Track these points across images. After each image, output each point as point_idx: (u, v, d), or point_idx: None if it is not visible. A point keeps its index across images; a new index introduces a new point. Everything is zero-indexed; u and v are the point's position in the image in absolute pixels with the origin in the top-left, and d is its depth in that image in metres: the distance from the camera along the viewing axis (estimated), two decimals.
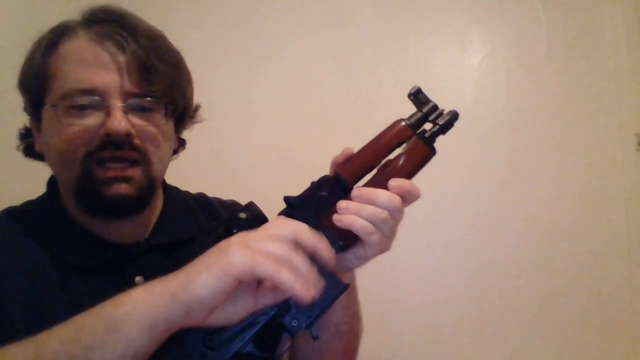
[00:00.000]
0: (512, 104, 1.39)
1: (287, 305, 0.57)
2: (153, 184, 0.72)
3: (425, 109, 0.66)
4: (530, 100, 1.39)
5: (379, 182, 0.63)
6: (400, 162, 0.64)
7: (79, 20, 0.70)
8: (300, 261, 0.52)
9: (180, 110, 0.76)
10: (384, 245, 0.62)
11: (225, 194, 0.94)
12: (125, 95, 0.66)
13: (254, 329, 0.56)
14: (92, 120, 0.66)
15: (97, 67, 0.65)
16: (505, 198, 1.39)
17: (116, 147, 0.66)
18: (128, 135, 0.66)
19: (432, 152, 0.65)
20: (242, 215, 0.59)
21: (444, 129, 0.65)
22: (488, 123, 1.40)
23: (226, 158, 1.41)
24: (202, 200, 0.88)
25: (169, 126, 0.74)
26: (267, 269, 0.50)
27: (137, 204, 0.70)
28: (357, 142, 1.52)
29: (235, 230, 0.57)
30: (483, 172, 1.39)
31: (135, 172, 0.68)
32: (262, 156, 1.41)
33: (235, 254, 0.50)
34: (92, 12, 0.70)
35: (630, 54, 1.37)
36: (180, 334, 0.53)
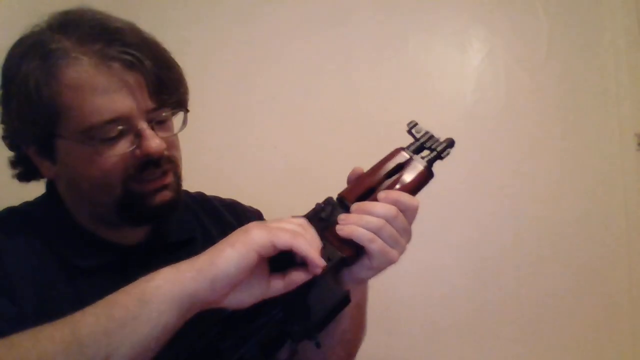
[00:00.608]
0: (512, 104, 1.39)
1: (292, 311, 0.59)
2: (181, 185, 0.74)
3: (422, 139, 0.72)
4: (530, 100, 1.39)
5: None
6: (399, 184, 0.69)
7: (61, 35, 0.64)
8: (312, 235, 0.59)
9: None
10: (389, 254, 0.64)
11: (225, 194, 0.94)
12: (147, 113, 0.66)
13: (260, 334, 0.58)
14: (124, 146, 0.66)
15: (114, 93, 0.64)
16: (505, 198, 1.39)
17: (156, 165, 0.68)
18: (163, 151, 0.68)
19: (430, 174, 0.70)
20: None
21: (441, 154, 0.71)
22: (488, 123, 1.40)
23: (226, 158, 1.41)
24: (201, 199, 0.88)
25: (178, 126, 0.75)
26: (285, 237, 0.55)
27: (177, 205, 0.73)
28: (356, 142, 1.52)
29: None
30: (483, 172, 1.39)
31: (170, 178, 0.71)
32: (262, 156, 1.41)
33: (255, 232, 0.56)
34: (75, 26, 0.65)
35: (630, 54, 1.37)
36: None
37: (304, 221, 0.62)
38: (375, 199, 0.67)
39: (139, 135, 0.66)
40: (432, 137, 0.72)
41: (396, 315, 1.34)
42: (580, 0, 1.39)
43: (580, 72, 1.39)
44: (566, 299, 1.36)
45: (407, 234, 0.66)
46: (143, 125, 0.66)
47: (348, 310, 0.63)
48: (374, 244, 0.63)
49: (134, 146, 0.66)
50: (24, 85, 0.64)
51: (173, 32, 1.28)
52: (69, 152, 0.67)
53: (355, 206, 0.66)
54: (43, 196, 0.77)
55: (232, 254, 0.54)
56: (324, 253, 0.60)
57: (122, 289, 0.54)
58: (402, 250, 0.66)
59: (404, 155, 0.71)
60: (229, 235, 0.57)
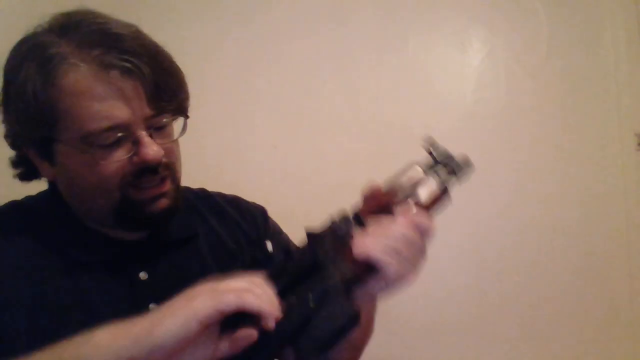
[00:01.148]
0: (512, 104, 1.39)
1: (301, 328, 0.58)
2: (180, 191, 0.74)
3: (440, 157, 0.72)
4: (530, 100, 1.39)
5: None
6: (416, 203, 0.69)
7: (61, 38, 0.64)
8: (264, 290, 0.56)
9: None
10: (405, 275, 0.65)
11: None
12: (145, 120, 0.66)
13: (266, 351, 0.58)
14: (121, 153, 0.66)
15: (112, 100, 0.64)
16: (505, 198, 1.39)
17: (153, 172, 0.68)
18: (161, 158, 0.67)
19: (447, 196, 0.70)
20: (269, 245, 0.62)
21: (459, 175, 0.71)
22: (488, 123, 1.40)
23: (226, 158, 1.41)
24: (203, 195, 0.88)
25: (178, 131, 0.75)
26: (230, 300, 0.53)
27: (174, 212, 0.73)
28: (356, 142, 1.52)
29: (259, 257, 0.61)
30: (483, 172, 1.38)
31: (168, 186, 0.70)
32: (262, 156, 1.41)
33: (199, 301, 0.53)
34: (75, 29, 0.65)
35: (630, 54, 1.37)
36: None
37: (258, 278, 0.58)
38: (392, 217, 0.67)
39: (136, 143, 0.66)
40: (450, 156, 0.72)
41: (396, 315, 1.34)
42: (580, 0, 1.39)
43: (580, 72, 1.39)
44: (566, 299, 1.36)
45: (422, 255, 0.67)
46: (141, 133, 0.66)
47: (360, 321, 0.62)
48: (391, 265, 0.63)
49: (132, 153, 0.66)
50: (23, 90, 0.64)
51: (173, 32, 1.28)
52: (67, 156, 0.67)
53: (372, 226, 0.66)
54: (45, 191, 0.77)
55: (171, 325, 0.52)
56: (283, 305, 0.57)
57: (66, 341, 0.54)
58: (417, 272, 0.67)
59: (421, 173, 0.71)
60: (174, 300, 0.55)
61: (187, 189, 0.87)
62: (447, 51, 1.41)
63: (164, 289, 0.58)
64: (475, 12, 1.41)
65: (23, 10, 1.28)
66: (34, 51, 0.65)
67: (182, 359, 0.54)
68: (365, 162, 1.38)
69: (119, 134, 0.65)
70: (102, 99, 0.63)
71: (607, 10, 1.38)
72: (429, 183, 0.70)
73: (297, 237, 0.70)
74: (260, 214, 0.89)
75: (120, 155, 0.66)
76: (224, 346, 0.55)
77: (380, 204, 0.69)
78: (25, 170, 0.74)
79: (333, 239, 0.65)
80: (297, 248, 0.69)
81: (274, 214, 0.91)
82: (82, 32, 0.65)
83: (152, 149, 0.66)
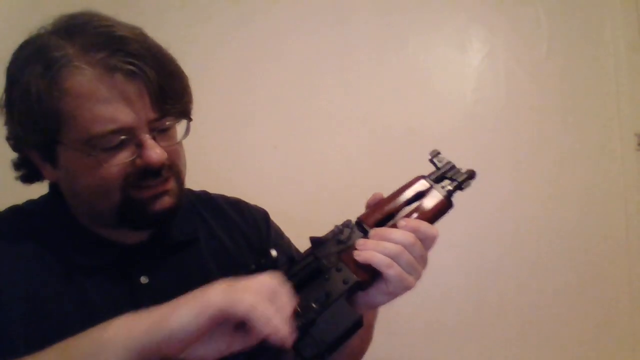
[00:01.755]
0: (512, 104, 1.40)
1: (304, 331, 0.59)
2: (183, 191, 0.74)
3: (444, 168, 0.73)
4: (530, 100, 1.39)
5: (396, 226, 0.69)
6: (418, 212, 0.70)
7: (66, 40, 0.64)
8: (283, 300, 0.55)
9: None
10: (406, 281, 0.66)
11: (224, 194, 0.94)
12: (149, 123, 0.66)
13: (270, 352, 0.58)
14: (125, 155, 0.66)
15: (117, 103, 0.64)
16: (505, 197, 1.39)
17: (155, 174, 0.68)
18: (164, 161, 0.67)
19: (449, 204, 0.71)
20: (274, 252, 0.62)
21: (462, 184, 0.73)
22: (488, 123, 1.40)
23: (226, 158, 1.41)
24: (205, 198, 0.88)
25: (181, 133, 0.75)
26: (242, 308, 0.52)
27: (177, 211, 0.73)
28: (356, 142, 1.52)
29: (263, 262, 0.61)
30: (483, 172, 1.38)
31: (171, 184, 0.70)
32: (262, 156, 1.41)
33: (214, 294, 0.53)
34: (80, 32, 0.65)
35: (630, 54, 1.37)
36: None
37: (277, 282, 0.57)
38: (394, 225, 0.68)
39: (140, 145, 0.66)
40: (453, 167, 0.74)
41: (396, 315, 1.34)
42: (580, 0, 1.39)
43: (580, 72, 1.39)
44: (566, 299, 1.36)
45: (423, 261, 0.68)
46: (145, 136, 0.66)
47: (360, 331, 0.63)
48: (392, 270, 0.64)
49: (135, 156, 0.66)
50: (26, 92, 0.64)
51: (173, 32, 1.28)
52: (70, 159, 0.67)
53: (373, 232, 0.67)
54: (46, 195, 0.77)
55: (185, 314, 0.52)
56: (297, 320, 0.57)
57: (79, 334, 0.54)
58: (418, 277, 0.67)
59: (425, 184, 0.72)
60: (192, 292, 0.55)
61: (189, 191, 0.87)
62: (447, 51, 1.42)
63: (165, 293, 0.57)
64: (475, 12, 1.41)
65: (25, 11, 1.28)
66: (38, 53, 0.65)
67: (196, 351, 0.54)
68: (365, 162, 1.38)
69: (123, 137, 0.65)
70: (107, 102, 0.63)
71: (607, 10, 1.38)
72: (432, 193, 0.71)
73: (298, 237, 0.70)
74: (262, 217, 0.89)
75: (123, 158, 0.66)
76: (238, 341, 0.56)
77: (383, 212, 0.70)
78: (27, 172, 0.74)
79: (336, 244, 0.66)
80: (300, 253, 0.70)
81: (274, 214, 0.91)
82: (87, 34, 0.64)
83: (155, 151, 0.66)
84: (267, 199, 0.94)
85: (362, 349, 0.83)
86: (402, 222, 0.67)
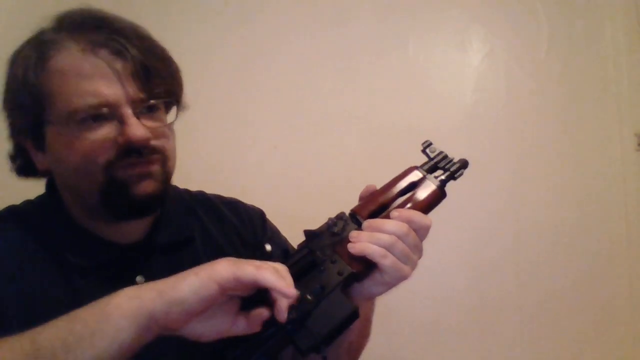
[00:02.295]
0: (512, 104, 1.40)
1: (301, 323, 0.59)
2: (169, 179, 0.74)
3: (436, 158, 0.73)
4: (530, 100, 1.39)
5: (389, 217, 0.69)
6: (412, 202, 0.70)
7: (58, 30, 0.67)
8: (284, 272, 0.57)
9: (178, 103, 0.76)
10: (401, 270, 0.66)
11: (224, 194, 0.94)
12: (133, 101, 0.66)
13: (268, 344, 0.59)
14: (106, 131, 0.66)
15: (99, 79, 0.64)
16: (505, 198, 1.39)
17: (138, 153, 0.67)
18: (147, 140, 0.67)
19: (442, 194, 0.71)
20: (268, 247, 0.64)
21: (454, 174, 0.73)
22: (488, 123, 1.40)
23: (226, 158, 1.41)
24: (202, 198, 0.88)
25: (170, 120, 0.74)
26: (248, 270, 0.54)
27: (160, 200, 0.72)
28: (356, 142, 1.52)
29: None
30: (483, 172, 1.39)
31: (156, 168, 0.70)
32: (262, 156, 1.41)
33: (221, 264, 0.55)
34: (71, 19, 0.67)
35: (630, 54, 1.37)
36: None
37: (281, 265, 0.59)
38: (388, 216, 0.68)
39: (122, 122, 0.66)
40: (446, 157, 0.74)
41: (396, 315, 1.34)
42: (580, 0, 1.39)
43: (580, 72, 1.39)
44: (566, 299, 1.36)
45: (418, 250, 0.68)
46: (127, 112, 0.65)
47: (356, 324, 0.63)
48: (386, 260, 0.64)
49: (117, 133, 0.66)
50: (14, 73, 0.67)
51: (173, 32, 1.28)
52: (55, 137, 0.67)
53: (367, 223, 0.67)
54: (43, 195, 0.77)
55: (194, 281, 0.54)
56: (300, 293, 0.58)
57: (87, 305, 0.54)
58: (413, 266, 0.67)
59: (418, 174, 0.72)
60: (198, 266, 0.56)
61: (186, 191, 0.87)
62: (447, 51, 1.42)
63: None
64: (475, 12, 1.41)
65: (25, 11, 1.29)
66: (31, 41, 0.68)
67: (196, 329, 0.55)
68: (365, 162, 1.38)
69: (105, 111, 0.65)
70: (89, 77, 0.64)
71: (607, 10, 1.38)
72: (425, 183, 0.71)
73: (297, 236, 0.70)
74: (259, 217, 0.89)
75: (104, 133, 0.65)
76: (241, 323, 0.57)
77: (376, 203, 0.70)
78: (22, 163, 0.74)
79: (330, 237, 0.67)
80: (295, 248, 0.69)
81: (274, 213, 0.91)
82: (76, 20, 0.67)
83: (138, 129, 0.65)
84: (267, 198, 0.94)
85: (361, 345, 0.83)
86: (395, 213, 0.67)
